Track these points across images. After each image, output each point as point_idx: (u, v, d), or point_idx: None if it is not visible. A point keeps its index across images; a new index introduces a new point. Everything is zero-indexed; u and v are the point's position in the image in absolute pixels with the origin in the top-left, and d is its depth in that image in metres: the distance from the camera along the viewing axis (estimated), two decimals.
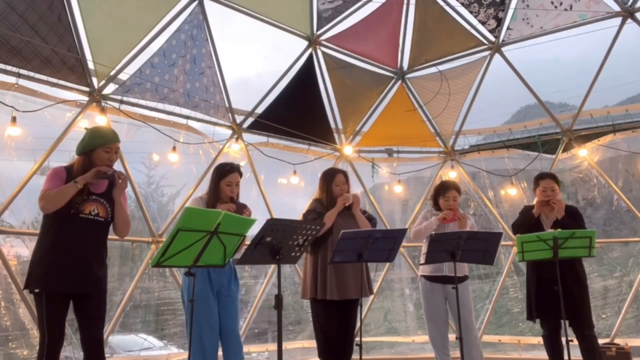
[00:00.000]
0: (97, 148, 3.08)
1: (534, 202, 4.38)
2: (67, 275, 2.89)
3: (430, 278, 4.23)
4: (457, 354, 3.69)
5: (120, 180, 3.11)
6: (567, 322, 3.73)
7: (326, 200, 4.05)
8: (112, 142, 3.13)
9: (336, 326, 3.87)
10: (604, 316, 6.68)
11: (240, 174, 3.66)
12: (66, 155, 4.89)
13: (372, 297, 6.71)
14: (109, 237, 3.20)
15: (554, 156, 6.72)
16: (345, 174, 4.18)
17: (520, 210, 4.39)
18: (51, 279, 2.87)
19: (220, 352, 3.51)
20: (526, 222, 4.16)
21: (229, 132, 6.22)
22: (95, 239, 3.07)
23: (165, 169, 6.31)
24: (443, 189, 4.41)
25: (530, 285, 4.13)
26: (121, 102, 5.18)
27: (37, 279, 2.88)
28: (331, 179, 4.08)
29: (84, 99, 5.02)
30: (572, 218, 4.06)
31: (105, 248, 3.15)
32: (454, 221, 4.27)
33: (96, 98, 5.03)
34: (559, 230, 3.63)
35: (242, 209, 3.52)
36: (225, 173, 3.60)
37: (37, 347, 2.90)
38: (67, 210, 2.94)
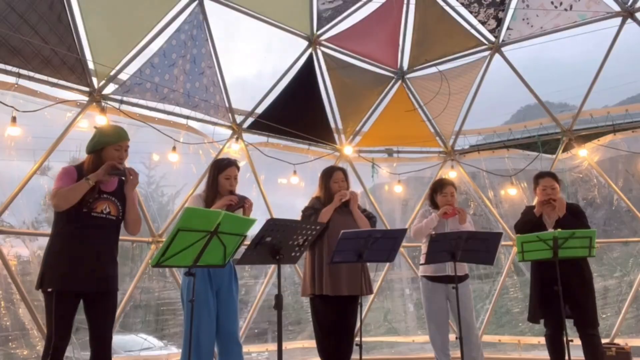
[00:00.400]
0: (108, 146, 3.07)
1: (534, 202, 4.37)
2: (82, 273, 2.89)
3: (432, 278, 4.22)
4: (458, 354, 3.69)
5: (132, 177, 3.11)
6: (570, 322, 3.72)
7: (324, 197, 4.04)
8: (122, 140, 3.13)
9: (334, 324, 3.87)
10: (604, 316, 6.67)
11: (238, 168, 3.70)
12: (66, 155, 4.90)
13: (372, 297, 6.71)
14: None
15: (554, 156, 6.72)
16: (344, 171, 4.18)
17: (522, 211, 4.39)
18: (66, 278, 2.86)
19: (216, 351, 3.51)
20: (528, 222, 4.14)
21: (229, 132, 6.22)
22: (107, 238, 3.07)
23: (165, 169, 6.32)
24: (440, 186, 4.41)
25: (534, 285, 4.11)
26: (121, 102, 5.17)
27: (52, 278, 2.87)
28: (329, 177, 4.08)
29: (84, 99, 5.02)
30: (574, 216, 4.04)
31: (117, 247, 3.16)
32: (454, 216, 4.27)
33: (96, 98, 5.03)
34: (559, 230, 3.62)
35: (242, 200, 3.55)
36: (223, 167, 3.63)
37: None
38: (79, 209, 2.94)
